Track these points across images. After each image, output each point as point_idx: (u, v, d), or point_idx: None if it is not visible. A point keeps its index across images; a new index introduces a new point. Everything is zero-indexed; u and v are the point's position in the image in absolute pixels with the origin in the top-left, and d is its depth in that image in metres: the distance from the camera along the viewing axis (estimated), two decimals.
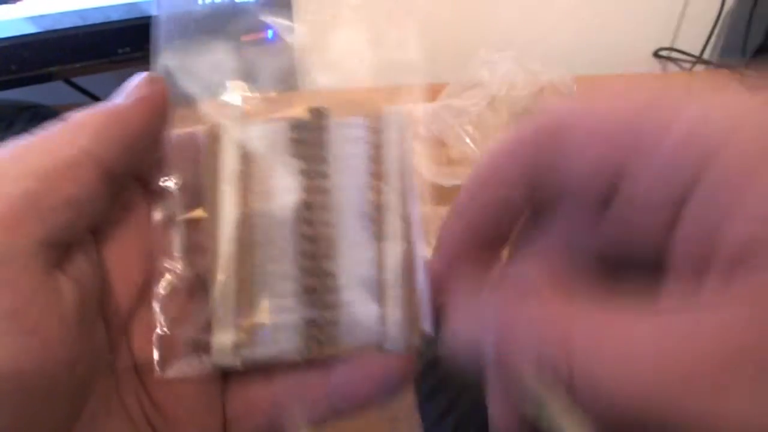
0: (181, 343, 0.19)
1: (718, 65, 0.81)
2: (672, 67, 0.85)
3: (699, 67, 0.82)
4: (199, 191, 0.20)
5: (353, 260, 0.20)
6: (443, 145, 0.53)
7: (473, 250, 0.17)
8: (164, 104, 0.19)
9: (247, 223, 0.20)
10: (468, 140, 0.53)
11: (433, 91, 0.58)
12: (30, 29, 0.40)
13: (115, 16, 0.42)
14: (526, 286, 0.16)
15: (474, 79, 0.58)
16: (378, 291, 0.20)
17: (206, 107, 0.21)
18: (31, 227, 0.16)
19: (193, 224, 0.20)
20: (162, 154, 0.20)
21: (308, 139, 0.21)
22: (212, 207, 0.20)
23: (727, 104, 0.13)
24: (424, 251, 0.21)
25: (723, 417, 0.11)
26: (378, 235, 0.21)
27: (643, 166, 0.14)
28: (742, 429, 0.10)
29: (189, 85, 0.21)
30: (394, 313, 0.20)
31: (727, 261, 0.12)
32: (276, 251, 0.20)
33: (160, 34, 0.21)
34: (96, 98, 0.53)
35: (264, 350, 0.20)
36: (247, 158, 0.20)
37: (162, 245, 0.20)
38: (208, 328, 0.19)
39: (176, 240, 0.20)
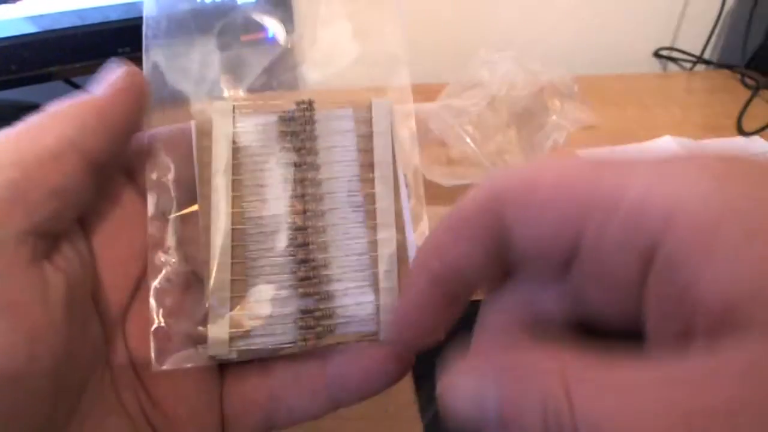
0: (177, 335, 0.19)
1: (719, 65, 0.80)
2: (672, 67, 0.85)
3: (699, 67, 0.82)
4: (192, 185, 0.20)
5: (347, 251, 0.21)
6: (443, 145, 0.53)
7: (437, 302, 0.17)
8: (144, 96, 0.19)
9: (240, 216, 0.20)
10: (468, 140, 0.53)
11: (433, 91, 0.58)
12: (29, 29, 0.40)
13: (114, 16, 0.42)
14: (505, 339, 0.16)
15: (474, 79, 0.58)
16: (372, 281, 0.20)
17: (196, 103, 0.21)
18: (16, 217, 0.16)
19: (186, 218, 0.20)
20: (153, 148, 0.20)
21: (298, 132, 0.21)
22: (205, 200, 0.20)
23: (679, 166, 0.13)
24: (416, 240, 0.21)
25: None
26: (370, 225, 0.21)
27: (602, 230, 0.13)
28: None
29: (179, 81, 0.21)
30: (389, 302, 0.20)
31: (710, 322, 0.12)
32: (270, 243, 0.20)
33: (149, 32, 0.21)
34: None
35: (260, 342, 0.20)
36: (238, 152, 0.21)
37: (156, 239, 0.20)
38: (203, 320, 0.20)
39: (170, 234, 0.20)
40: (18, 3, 0.40)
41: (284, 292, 0.20)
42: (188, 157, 0.20)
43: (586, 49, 0.80)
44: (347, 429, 0.33)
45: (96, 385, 0.18)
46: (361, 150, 0.21)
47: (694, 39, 0.81)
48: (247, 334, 0.20)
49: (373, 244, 0.21)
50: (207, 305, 0.20)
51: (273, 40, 0.22)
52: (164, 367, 0.19)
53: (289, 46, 0.22)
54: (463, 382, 0.15)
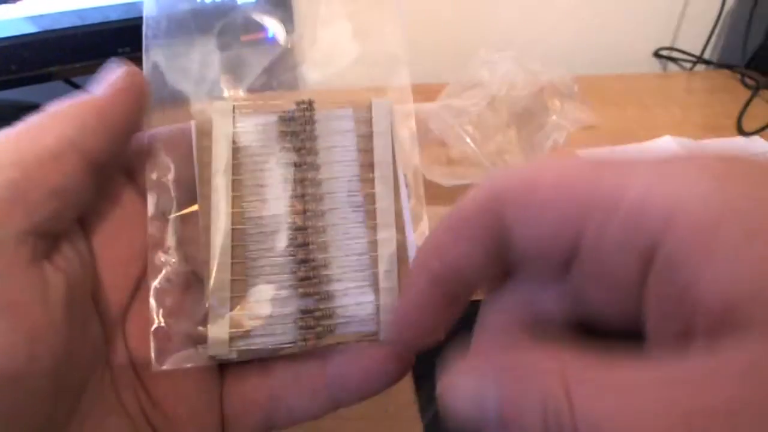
0: (177, 335, 0.19)
1: (719, 65, 0.80)
2: (672, 66, 0.85)
3: (699, 67, 0.82)
4: (192, 185, 0.20)
5: (347, 251, 0.21)
6: (443, 145, 0.53)
7: (437, 302, 0.17)
8: (144, 95, 0.19)
9: (240, 216, 0.20)
10: (468, 140, 0.53)
11: (433, 91, 0.58)
12: (29, 29, 0.40)
13: (114, 16, 0.42)
14: (505, 339, 0.16)
15: (474, 79, 0.58)
16: (372, 281, 0.20)
17: (196, 103, 0.21)
18: (16, 217, 0.16)
19: (186, 218, 0.20)
20: (153, 148, 0.20)
21: (298, 132, 0.21)
22: (205, 200, 0.20)
23: (679, 166, 0.13)
24: (416, 240, 0.21)
25: None
26: (370, 225, 0.21)
27: (602, 230, 0.13)
28: None
29: (179, 81, 0.21)
30: (389, 302, 0.20)
31: (710, 322, 0.12)
32: (270, 243, 0.20)
33: (149, 32, 0.21)
34: None
35: (260, 342, 0.20)
36: (238, 152, 0.21)
37: (156, 239, 0.20)
38: (203, 320, 0.20)
39: (170, 234, 0.20)
40: (18, 3, 0.40)
41: (284, 292, 0.20)
42: (188, 157, 0.20)
43: (586, 49, 0.80)
44: (347, 429, 0.33)
45: (96, 385, 0.18)
46: (361, 150, 0.21)
47: (694, 39, 0.81)
48: (247, 334, 0.20)
49: (373, 244, 0.21)
50: (207, 305, 0.20)
51: (273, 40, 0.22)
52: (164, 367, 0.19)
53: (289, 46, 0.22)
54: (463, 382, 0.15)
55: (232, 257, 0.20)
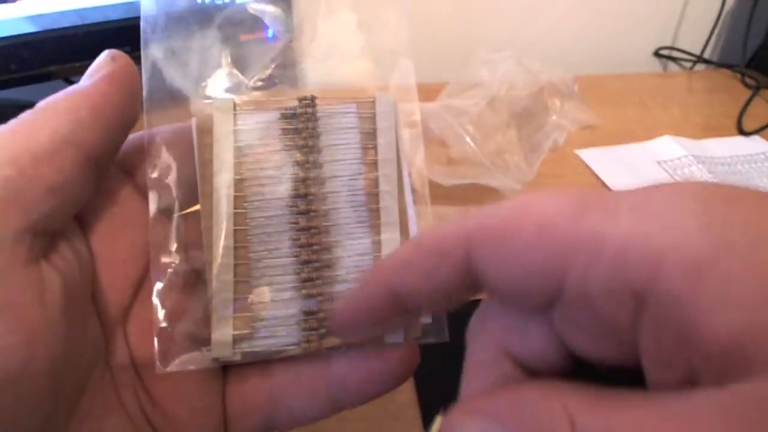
0: (180, 337, 0.19)
1: (719, 65, 0.80)
2: (672, 66, 0.85)
3: (699, 67, 0.82)
4: (194, 184, 0.20)
5: (350, 251, 0.20)
6: (443, 144, 0.53)
7: (388, 309, 0.16)
8: (131, 79, 0.19)
9: (242, 216, 0.20)
10: (468, 140, 0.53)
11: (433, 91, 0.58)
12: (29, 28, 0.40)
13: (114, 16, 0.42)
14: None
15: (474, 78, 0.58)
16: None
17: (197, 100, 0.21)
18: (13, 216, 0.16)
19: (188, 218, 0.20)
20: (154, 147, 0.20)
21: (300, 129, 0.21)
22: (207, 200, 0.20)
23: (662, 200, 0.13)
24: None
25: None
26: (374, 225, 0.21)
27: (586, 275, 0.13)
28: None
29: (179, 79, 0.21)
30: None
31: (714, 362, 0.11)
32: (273, 243, 0.20)
33: (148, 28, 0.20)
34: None
35: (263, 343, 0.20)
36: (240, 150, 0.20)
37: (158, 239, 0.19)
38: (207, 322, 0.19)
39: (172, 234, 0.20)
40: (18, 2, 0.40)
41: (287, 294, 0.20)
42: (189, 156, 0.20)
43: (586, 49, 0.80)
44: (347, 429, 0.33)
45: (96, 385, 0.18)
46: (364, 147, 0.21)
47: (694, 39, 0.81)
48: (250, 336, 0.19)
49: (377, 245, 0.20)
50: (210, 307, 0.19)
51: (273, 39, 0.22)
52: (168, 370, 0.19)
53: (290, 42, 0.22)
54: (467, 425, 0.14)
55: (235, 258, 0.20)
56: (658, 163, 0.59)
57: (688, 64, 0.83)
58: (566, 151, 0.60)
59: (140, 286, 0.20)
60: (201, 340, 0.19)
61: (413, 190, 0.21)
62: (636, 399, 0.12)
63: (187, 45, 0.21)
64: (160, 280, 0.19)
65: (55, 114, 0.17)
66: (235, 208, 0.20)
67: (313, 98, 0.21)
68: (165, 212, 0.20)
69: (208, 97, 0.21)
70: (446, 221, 0.16)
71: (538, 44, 0.74)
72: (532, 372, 0.16)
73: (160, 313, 0.19)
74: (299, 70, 0.22)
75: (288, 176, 0.20)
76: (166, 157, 0.20)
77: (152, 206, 0.20)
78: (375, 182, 0.21)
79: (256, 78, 0.22)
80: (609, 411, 0.12)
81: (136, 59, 0.20)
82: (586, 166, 0.59)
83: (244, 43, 0.22)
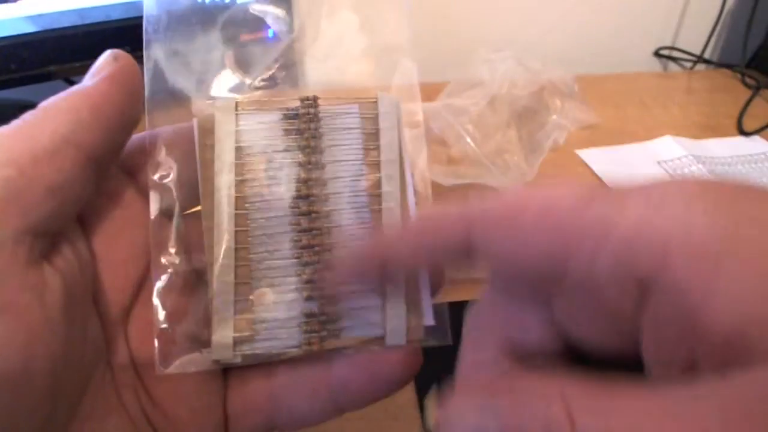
0: (181, 339, 0.19)
1: (719, 65, 0.80)
2: (672, 66, 0.85)
3: (699, 67, 0.82)
4: (195, 185, 0.20)
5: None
6: (443, 144, 0.53)
7: (375, 272, 0.17)
8: (133, 78, 0.19)
9: (244, 217, 0.20)
10: (468, 139, 0.53)
11: (433, 91, 0.58)
12: (29, 28, 0.40)
13: (114, 15, 0.42)
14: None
15: (474, 78, 0.58)
16: (378, 284, 0.20)
17: (198, 100, 0.21)
18: (13, 217, 0.15)
19: (190, 218, 0.20)
20: (155, 147, 0.20)
21: (302, 129, 0.20)
22: (208, 201, 0.20)
23: (671, 193, 0.13)
24: None
25: None
26: (377, 226, 0.20)
27: (592, 260, 0.13)
28: None
29: (180, 79, 0.20)
30: (395, 306, 0.20)
31: (717, 351, 0.11)
32: (274, 245, 0.20)
33: (150, 27, 0.20)
34: None
35: (264, 345, 0.19)
36: (241, 151, 0.20)
37: (159, 240, 0.19)
38: (207, 323, 0.19)
39: (173, 235, 0.20)
40: (18, 2, 0.40)
41: (289, 296, 0.20)
42: (191, 156, 0.20)
43: (586, 48, 0.80)
44: (347, 429, 0.33)
45: (97, 385, 0.18)
46: (367, 148, 0.21)
47: (694, 38, 0.81)
48: (251, 338, 0.19)
49: None
50: (211, 308, 0.19)
51: (274, 39, 0.22)
52: (168, 371, 0.19)
53: (292, 42, 0.22)
54: (462, 414, 0.14)
55: (236, 260, 0.19)
56: (659, 163, 0.59)
57: (689, 64, 0.83)
58: (566, 151, 0.60)
59: (141, 286, 0.20)
60: (201, 342, 0.19)
61: (416, 192, 0.21)
62: (635, 389, 0.12)
63: (189, 45, 0.21)
64: (161, 281, 0.19)
65: (56, 114, 0.17)
66: (236, 209, 0.20)
67: (315, 98, 0.21)
68: (166, 213, 0.20)
69: (210, 98, 0.21)
70: (448, 204, 0.16)
71: (538, 44, 0.74)
72: (528, 361, 0.16)
73: (161, 314, 0.19)
74: (301, 71, 0.22)
75: (290, 177, 0.20)
76: (167, 157, 0.20)
77: (153, 207, 0.20)
78: (377, 183, 0.20)
79: (258, 78, 0.21)
80: (606, 399, 0.12)
81: (137, 59, 0.20)
82: (586, 166, 0.59)
83: (246, 43, 0.22)
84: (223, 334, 0.19)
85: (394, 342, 0.20)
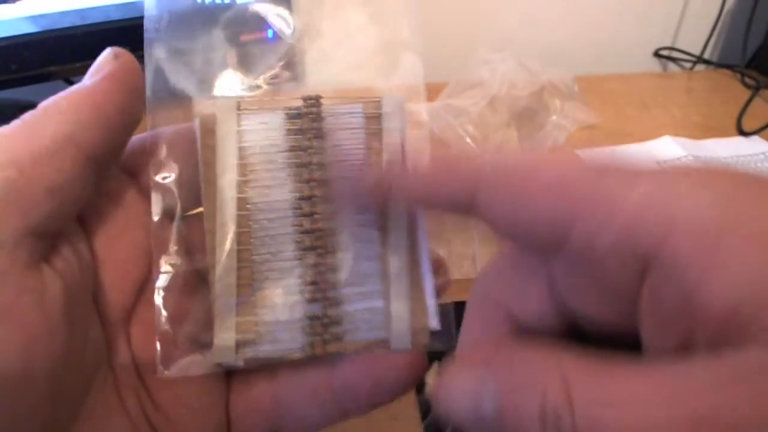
0: (182, 341, 0.19)
1: (719, 65, 0.81)
2: (672, 66, 0.85)
3: (699, 67, 0.82)
4: (197, 186, 0.20)
5: (357, 254, 0.20)
6: (443, 144, 0.53)
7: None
8: (133, 76, 0.19)
9: (246, 218, 0.20)
10: (468, 140, 0.53)
11: (433, 91, 0.58)
12: (30, 29, 0.40)
13: (115, 16, 0.42)
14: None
15: (474, 78, 0.58)
16: (383, 286, 0.20)
17: (200, 100, 0.20)
18: (13, 219, 0.15)
19: (192, 219, 0.20)
20: (157, 148, 0.20)
21: (305, 130, 0.20)
22: (210, 202, 0.19)
23: (679, 175, 0.13)
24: (429, 243, 0.20)
25: None
26: (381, 227, 0.20)
27: (597, 233, 0.13)
28: None
29: (182, 79, 0.20)
30: (400, 309, 0.20)
31: (714, 328, 0.12)
32: (277, 246, 0.20)
33: (150, 31, 0.20)
34: None
35: (267, 349, 0.19)
36: (243, 151, 0.20)
37: (161, 241, 0.19)
38: (209, 325, 0.19)
39: (175, 236, 0.19)
40: (18, 2, 0.40)
41: (292, 298, 0.19)
42: (193, 157, 0.20)
43: (586, 49, 0.80)
44: (347, 428, 0.33)
45: (98, 387, 0.18)
46: (370, 148, 0.20)
47: (694, 39, 0.82)
48: (253, 341, 0.19)
49: (384, 248, 0.20)
50: (212, 311, 0.19)
51: (277, 39, 0.22)
52: (170, 374, 0.19)
53: (294, 41, 0.22)
54: (460, 380, 0.14)
55: (238, 261, 0.19)
56: (658, 163, 0.59)
57: (688, 65, 0.83)
58: (567, 150, 0.60)
59: (143, 287, 0.19)
60: (203, 344, 0.19)
61: None
62: (631, 365, 0.12)
63: (190, 45, 0.21)
64: (163, 282, 0.19)
65: (56, 114, 0.17)
66: (238, 210, 0.19)
67: (318, 98, 0.20)
68: (168, 214, 0.20)
69: (212, 97, 0.21)
70: (459, 155, 0.16)
71: (538, 44, 0.74)
72: (529, 333, 0.16)
73: (163, 316, 0.19)
74: (304, 70, 0.22)
75: (292, 178, 0.20)
76: (169, 158, 0.20)
77: (155, 208, 0.19)
78: None
79: (260, 78, 0.21)
80: (602, 374, 0.12)
81: (138, 59, 0.20)
82: None
83: (249, 42, 0.21)
84: (225, 336, 0.19)
85: (398, 346, 0.20)
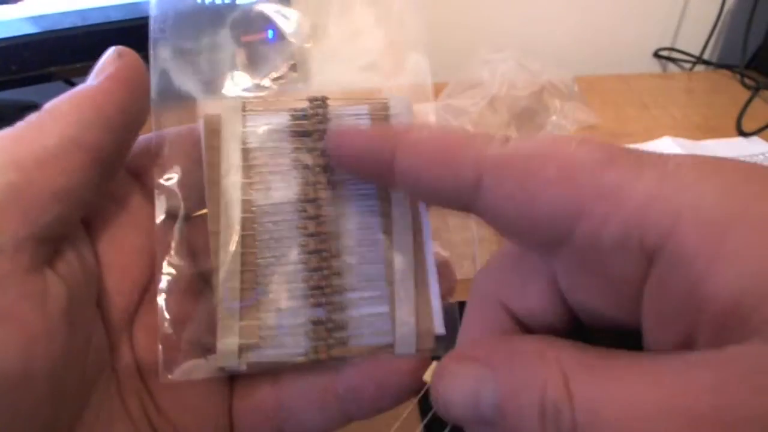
0: (185, 345, 0.19)
1: (718, 65, 0.81)
2: (672, 67, 0.85)
3: (699, 67, 0.82)
4: (201, 188, 0.19)
5: (361, 259, 0.20)
6: None
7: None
8: (138, 76, 0.18)
9: (250, 221, 0.19)
10: None
11: (433, 91, 0.58)
12: (30, 29, 0.40)
13: (115, 16, 0.42)
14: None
15: (474, 78, 0.58)
16: (388, 290, 0.20)
17: (205, 101, 0.20)
18: (14, 223, 0.15)
19: (195, 222, 0.19)
20: (161, 149, 0.20)
21: (310, 131, 0.20)
22: (214, 204, 0.19)
23: (686, 166, 0.13)
24: (434, 247, 0.20)
25: None
26: (386, 231, 0.20)
27: (602, 224, 0.13)
28: None
29: (187, 79, 0.20)
30: (405, 313, 0.19)
31: (717, 321, 0.12)
32: (281, 249, 0.19)
33: (155, 32, 0.20)
34: None
35: (270, 353, 0.19)
36: (248, 153, 0.20)
37: (164, 244, 0.19)
38: (213, 329, 0.19)
39: (179, 239, 0.19)
40: (18, 3, 0.40)
41: (296, 302, 0.19)
42: (197, 158, 0.19)
43: (586, 49, 0.80)
44: (347, 428, 0.33)
45: (101, 391, 0.18)
46: None
47: (694, 39, 0.82)
48: (257, 346, 0.19)
49: (389, 252, 0.20)
50: (216, 315, 0.19)
51: (282, 40, 0.22)
52: (172, 378, 0.18)
53: (301, 42, 0.21)
54: (459, 373, 0.14)
55: (242, 265, 0.19)
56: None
57: (688, 65, 0.83)
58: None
59: (146, 290, 0.19)
60: (206, 348, 0.19)
61: None
62: (631, 359, 0.12)
63: (196, 45, 0.20)
64: (166, 285, 0.19)
65: (60, 116, 0.17)
66: (242, 213, 0.19)
67: (324, 99, 0.20)
68: (171, 216, 0.19)
69: (217, 98, 0.20)
70: (462, 136, 0.16)
71: (538, 44, 0.74)
72: (529, 330, 0.16)
73: (166, 320, 0.19)
74: (310, 70, 0.21)
75: (297, 180, 0.20)
76: (173, 159, 0.19)
77: (159, 210, 0.19)
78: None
79: (266, 78, 0.21)
80: (602, 368, 0.12)
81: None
82: None
83: (254, 43, 0.21)
84: (229, 341, 0.19)
85: (403, 351, 0.19)
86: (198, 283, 0.19)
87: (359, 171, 0.19)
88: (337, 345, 0.19)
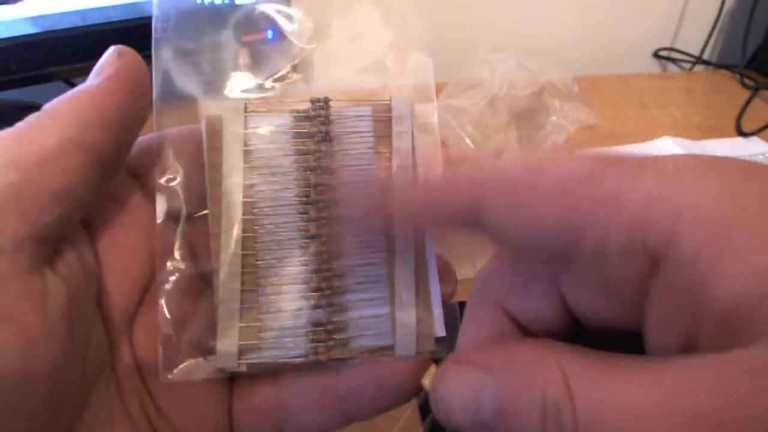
0: (185, 345, 0.19)
1: (718, 65, 0.81)
2: (672, 67, 0.85)
3: (699, 68, 0.82)
4: (202, 189, 0.19)
5: (362, 260, 0.20)
6: (443, 144, 0.53)
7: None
8: (138, 76, 0.18)
9: (251, 222, 0.19)
10: (468, 140, 0.53)
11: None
12: (30, 30, 0.40)
13: (115, 17, 0.42)
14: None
15: (474, 78, 0.58)
16: (388, 292, 0.20)
17: (207, 102, 0.20)
18: (14, 224, 0.15)
19: (196, 223, 0.19)
20: (162, 150, 0.20)
21: (313, 133, 0.20)
22: (215, 206, 0.19)
23: (685, 168, 0.13)
24: (435, 249, 0.20)
25: None
26: (388, 233, 0.20)
27: (605, 232, 0.13)
28: None
29: (189, 80, 0.20)
30: (405, 315, 0.19)
31: (719, 324, 0.12)
32: (282, 251, 0.19)
33: (158, 32, 0.20)
34: None
35: (270, 354, 0.19)
36: (250, 154, 0.20)
37: (165, 245, 0.19)
38: (213, 330, 0.19)
39: (180, 239, 0.19)
40: (18, 3, 0.40)
41: (296, 304, 0.19)
42: (199, 159, 0.19)
43: (586, 49, 0.80)
44: (346, 429, 0.33)
45: (101, 391, 0.18)
46: (379, 152, 0.20)
47: (693, 39, 0.82)
48: (256, 347, 0.19)
49: (390, 254, 0.20)
50: (216, 316, 0.19)
51: (273, 41, 0.22)
52: (172, 378, 0.18)
53: (304, 42, 0.21)
54: (459, 376, 0.14)
55: (243, 266, 0.19)
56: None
57: (688, 65, 0.83)
58: (567, 149, 0.60)
59: (147, 291, 0.19)
60: (206, 349, 0.19)
61: None
62: (632, 362, 0.12)
63: (198, 46, 0.20)
64: (167, 286, 0.19)
65: (60, 116, 0.17)
66: (243, 214, 0.19)
67: (326, 100, 0.20)
68: (172, 216, 0.19)
69: (220, 99, 0.20)
70: (457, 167, 0.16)
71: (538, 44, 0.74)
72: (528, 333, 0.16)
73: (166, 320, 0.19)
74: (312, 71, 0.21)
75: (299, 182, 0.20)
76: (174, 160, 0.19)
77: (159, 211, 0.19)
78: None
79: (268, 79, 0.21)
80: (603, 370, 0.12)
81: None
82: None
83: (255, 43, 0.21)
84: (229, 342, 0.19)
85: (403, 353, 0.19)
86: (198, 284, 0.19)
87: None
88: (337, 346, 0.19)
